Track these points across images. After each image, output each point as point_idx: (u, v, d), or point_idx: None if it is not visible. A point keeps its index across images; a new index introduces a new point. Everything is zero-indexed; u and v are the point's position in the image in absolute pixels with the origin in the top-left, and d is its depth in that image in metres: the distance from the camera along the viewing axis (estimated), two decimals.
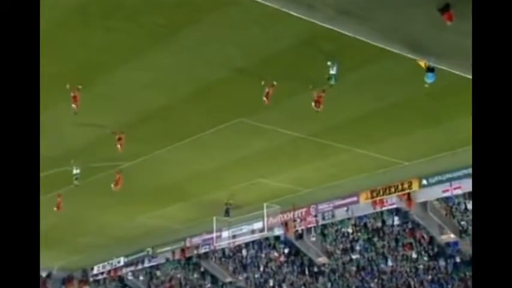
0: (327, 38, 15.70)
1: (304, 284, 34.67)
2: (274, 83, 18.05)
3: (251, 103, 19.87)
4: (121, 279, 43.92)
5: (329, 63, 16.92)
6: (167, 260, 40.66)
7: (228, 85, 18.60)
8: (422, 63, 16.45)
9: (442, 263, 29.26)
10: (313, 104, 18.09)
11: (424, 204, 29.05)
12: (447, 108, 20.35)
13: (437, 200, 28.79)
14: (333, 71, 16.96)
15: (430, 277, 29.54)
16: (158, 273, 41.77)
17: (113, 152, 23.18)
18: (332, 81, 17.13)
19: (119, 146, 21.67)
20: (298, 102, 19.57)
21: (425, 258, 29.70)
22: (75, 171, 24.43)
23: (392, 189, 28.98)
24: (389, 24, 14.97)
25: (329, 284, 33.52)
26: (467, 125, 20.77)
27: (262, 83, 17.96)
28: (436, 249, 29.55)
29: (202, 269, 39.57)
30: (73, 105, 18.39)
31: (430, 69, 16.45)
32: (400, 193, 28.83)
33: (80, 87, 17.99)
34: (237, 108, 20.36)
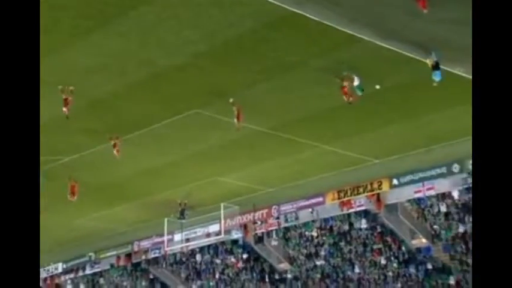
0: (292, 22, 15.96)
1: None
2: None
3: (207, 92, 19.99)
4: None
5: (353, 76, 17.99)
6: (112, 266, 40.42)
7: (183, 72, 18.66)
8: (428, 62, 16.91)
9: (412, 269, 30.03)
10: None
11: (394, 206, 29.74)
12: (421, 102, 20.88)
13: (409, 201, 29.53)
14: (356, 82, 18.33)
15: (399, 285, 30.28)
16: (101, 280, 41.48)
17: (51, 145, 22.94)
18: (359, 93, 18.49)
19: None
20: (258, 91, 19.75)
21: (395, 265, 30.41)
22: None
23: (361, 190, 29.51)
24: (359, 10, 15.34)
25: None
26: (442, 121, 21.98)
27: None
28: (406, 255, 30.31)
29: (151, 276, 39.50)
30: None
31: (435, 67, 16.93)
32: (369, 193, 29.44)
33: None
34: (192, 98, 20.41)
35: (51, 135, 22.56)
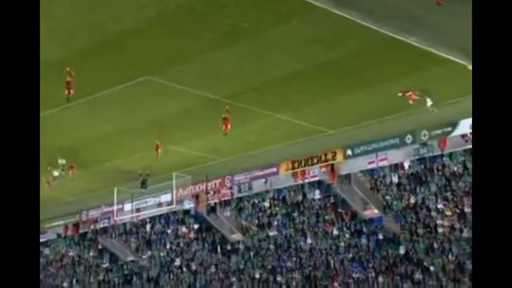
0: None
1: (216, 264, 35.47)
2: None
3: (159, 59, 19.97)
4: None
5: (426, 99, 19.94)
6: (58, 236, 40.28)
7: (134, 38, 18.59)
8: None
9: (364, 240, 30.86)
10: None
11: (347, 177, 30.41)
12: (375, 71, 21.26)
13: (362, 172, 30.23)
14: (430, 102, 20.53)
15: (351, 255, 31.11)
16: (47, 251, 41.28)
17: None
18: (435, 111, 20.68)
19: None
20: (212, 58, 19.81)
21: (347, 236, 31.20)
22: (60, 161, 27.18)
23: (315, 160, 29.99)
24: None
25: (243, 263, 34.49)
26: (396, 91, 22.47)
27: None
28: (358, 226, 31.12)
29: (99, 246, 39.51)
30: None
31: None
32: (323, 164, 29.99)
33: None
34: (143, 64, 20.35)
35: None
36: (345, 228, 31.35)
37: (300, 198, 32.17)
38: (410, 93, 21.13)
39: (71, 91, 20.21)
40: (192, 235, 36.01)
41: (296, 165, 30.71)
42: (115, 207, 34.23)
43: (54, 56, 19.28)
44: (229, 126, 23.00)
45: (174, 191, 32.31)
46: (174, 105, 23.45)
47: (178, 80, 20.91)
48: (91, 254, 39.79)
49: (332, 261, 31.66)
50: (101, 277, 39.63)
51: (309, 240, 32.21)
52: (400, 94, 21.25)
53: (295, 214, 32.43)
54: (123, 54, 19.63)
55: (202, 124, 25.50)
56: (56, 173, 28.63)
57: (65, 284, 41.13)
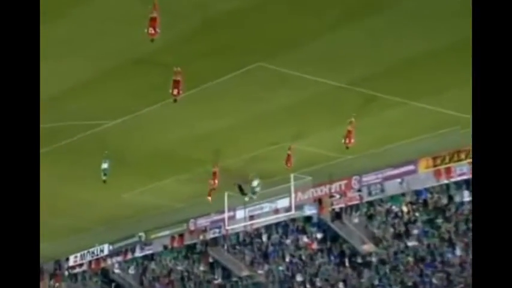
0: None
1: (344, 280, 35.16)
2: None
3: (272, 41, 19.88)
4: (105, 272, 44.93)
5: None
6: (165, 248, 41.41)
7: (243, 17, 18.56)
8: None
9: None
10: None
11: None
12: None
13: None
14: None
15: None
16: (153, 265, 42.61)
17: (89, 108, 23.44)
18: None
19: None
20: (334, 39, 19.52)
21: None
22: (104, 166, 27.58)
23: (462, 155, 29.03)
24: None
25: (377, 279, 34.01)
26: None
27: None
28: None
29: (210, 260, 40.24)
30: None
31: None
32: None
33: None
34: (254, 49, 20.33)
35: (88, 97, 23.11)
36: None
37: (444, 201, 31.27)
38: None
39: (180, 92, 20.64)
40: (315, 246, 35.91)
41: (439, 161, 29.98)
42: (226, 215, 34.79)
43: (151, 44, 19.63)
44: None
45: (293, 195, 32.40)
46: (290, 95, 23.38)
47: (295, 66, 20.79)
48: (201, 268, 40.62)
49: None
50: None
51: (458, 252, 31.32)
52: None
53: (440, 221, 31.61)
54: (229, 37, 19.69)
55: (324, 116, 25.33)
56: None
57: None
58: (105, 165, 28.00)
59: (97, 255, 44.15)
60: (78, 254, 45.01)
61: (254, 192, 31.21)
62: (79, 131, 26.04)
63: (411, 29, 19.03)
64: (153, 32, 17.72)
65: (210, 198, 31.40)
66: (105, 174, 28.16)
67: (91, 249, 44.10)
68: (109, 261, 44.08)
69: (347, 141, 24.80)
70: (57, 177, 30.79)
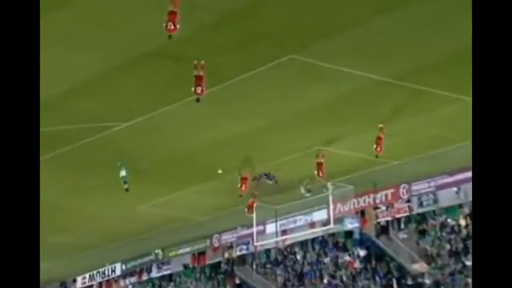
0: None
1: None
2: None
3: (306, 32, 19.93)
4: None
5: None
6: (185, 267, 41.51)
7: (272, 6, 18.76)
8: None
9: None
10: None
11: None
12: None
13: None
14: None
15: None
16: (171, 287, 42.76)
17: (99, 107, 23.62)
18: None
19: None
20: (375, 28, 19.58)
21: None
22: (123, 174, 28.13)
23: None
24: None
25: None
26: None
27: None
28: None
29: (237, 281, 40.27)
30: None
31: None
32: None
33: None
34: (285, 40, 20.40)
35: (96, 96, 23.27)
36: None
37: None
38: None
39: (203, 89, 20.70)
40: (357, 265, 35.78)
41: None
42: (254, 229, 34.72)
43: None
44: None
45: (331, 206, 32.33)
46: (326, 90, 23.42)
47: (331, 58, 20.83)
48: None
49: None
50: None
51: None
52: None
53: None
54: (257, 27, 19.79)
55: (366, 115, 25.33)
56: None
57: None
58: (123, 173, 28.58)
59: (108, 275, 44.39)
60: (87, 275, 45.29)
61: (309, 191, 31.47)
62: (87, 135, 26.20)
63: (460, 15, 18.89)
64: (172, 27, 17.92)
65: (248, 210, 31.99)
66: (125, 182, 28.85)
67: (101, 269, 44.36)
68: (122, 283, 44.29)
69: (378, 149, 25.57)
70: (61, 188, 31.09)
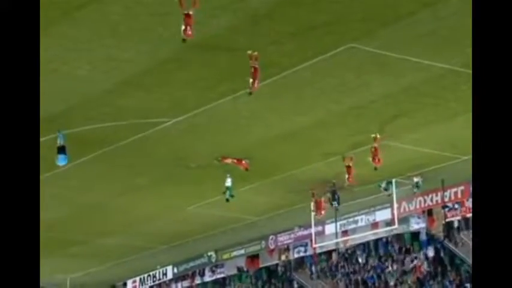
0: None
1: None
2: None
3: (366, 18, 19.61)
4: None
5: None
6: (239, 270, 41.64)
7: None
8: None
9: None
10: None
11: None
12: None
13: None
14: None
15: None
16: None
17: (146, 103, 23.61)
18: None
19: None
20: (445, 13, 19.21)
21: None
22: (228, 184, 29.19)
23: None
24: None
25: None
26: None
27: None
28: None
29: (295, 286, 40.24)
30: None
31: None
32: None
33: None
34: (344, 27, 20.06)
35: (143, 91, 23.31)
36: None
37: None
38: None
39: (257, 82, 20.62)
40: (424, 269, 35.61)
41: None
42: (313, 230, 34.82)
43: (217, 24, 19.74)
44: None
45: (395, 205, 32.30)
46: (390, 82, 23.16)
47: (396, 46, 20.54)
48: None
49: None
50: None
51: None
52: None
53: None
54: (313, 14, 19.46)
55: (434, 107, 25.03)
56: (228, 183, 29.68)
57: None
58: (228, 183, 29.45)
59: (159, 279, 44.84)
60: (137, 278, 45.84)
61: (418, 186, 31.52)
62: (134, 132, 26.31)
63: None
64: (189, 32, 17.86)
65: (317, 211, 32.13)
66: (232, 196, 29.57)
67: (152, 272, 44.82)
68: (173, 286, 44.63)
69: (376, 160, 26.19)
70: (109, 188, 31.46)
